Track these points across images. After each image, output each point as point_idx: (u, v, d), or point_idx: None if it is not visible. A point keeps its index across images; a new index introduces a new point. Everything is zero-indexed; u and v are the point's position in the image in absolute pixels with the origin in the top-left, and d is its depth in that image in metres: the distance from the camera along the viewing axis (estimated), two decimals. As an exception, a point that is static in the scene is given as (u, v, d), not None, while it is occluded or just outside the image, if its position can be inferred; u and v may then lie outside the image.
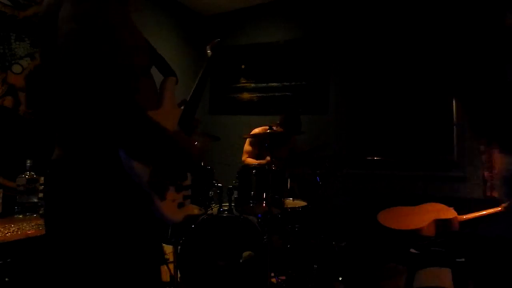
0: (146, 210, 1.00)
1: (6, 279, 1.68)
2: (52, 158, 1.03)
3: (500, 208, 2.86)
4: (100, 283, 0.97)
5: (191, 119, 1.24)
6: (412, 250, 2.69)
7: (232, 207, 2.75)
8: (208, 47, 1.63)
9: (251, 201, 2.62)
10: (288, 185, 3.28)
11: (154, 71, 1.21)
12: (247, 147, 3.58)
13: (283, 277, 2.78)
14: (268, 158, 3.35)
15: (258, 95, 4.56)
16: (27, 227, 1.94)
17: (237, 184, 2.72)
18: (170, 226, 2.75)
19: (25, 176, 2.31)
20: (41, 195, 2.33)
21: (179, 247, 2.57)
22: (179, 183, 1.09)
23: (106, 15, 0.92)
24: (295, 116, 3.39)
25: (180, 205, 1.09)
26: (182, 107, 1.24)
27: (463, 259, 2.53)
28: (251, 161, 3.48)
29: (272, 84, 4.48)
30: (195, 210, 2.71)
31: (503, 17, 1.52)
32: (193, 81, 1.43)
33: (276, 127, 3.26)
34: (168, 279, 2.76)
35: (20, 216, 2.25)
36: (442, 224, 2.82)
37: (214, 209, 2.81)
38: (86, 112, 0.91)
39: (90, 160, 0.97)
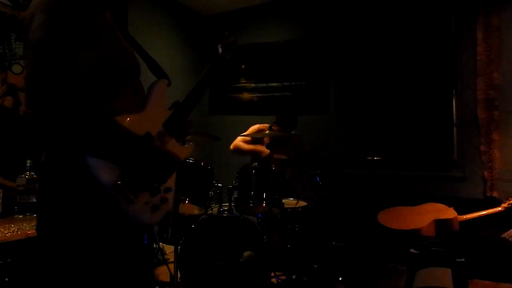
0: (115, 211, 1.02)
1: (6, 279, 1.68)
2: (40, 161, 1.10)
3: (500, 208, 2.86)
4: (71, 282, 1.03)
5: (183, 121, 1.23)
6: (412, 250, 2.69)
7: (232, 207, 2.74)
8: (220, 45, 1.52)
9: (251, 201, 2.62)
10: (288, 185, 3.29)
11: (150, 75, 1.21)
12: (239, 142, 3.54)
13: (283, 277, 2.78)
14: (260, 147, 3.36)
15: (258, 95, 4.56)
16: (27, 227, 1.94)
17: (237, 184, 2.72)
18: (170, 226, 2.75)
19: (25, 176, 2.31)
20: (41, 195, 2.33)
21: (179, 247, 2.57)
22: (156, 187, 1.09)
23: (74, 24, 0.96)
24: (291, 114, 3.37)
25: (155, 208, 1.10)
26: (172, 109, 1.24)
27: (463, 259, 2.54)
28: (242, 145, 3.42)
29: (272, 84, 4.48)
30: (195, 210, 2.72)
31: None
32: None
33: (273, 125, 3.25)
34: (168, 279, 2.76)
35: (20, 216, 2.25)
36: (442, 224, 2.82)
37: (214, 209, 2.81)
38: (49, 118, 0.94)
39: (63, 163, 1.03)
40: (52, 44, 0.93)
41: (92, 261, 1.04)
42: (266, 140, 3.47)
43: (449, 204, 2.99)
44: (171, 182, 1.16)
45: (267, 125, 3.23)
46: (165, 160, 1.09)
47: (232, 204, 2.74)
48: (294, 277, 2.76)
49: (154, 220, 1.11)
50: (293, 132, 3.06)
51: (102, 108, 1.00)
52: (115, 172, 1.00)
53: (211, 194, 2.74)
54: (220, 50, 1.51)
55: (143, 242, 1.34)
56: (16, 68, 2.57)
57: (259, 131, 3.43)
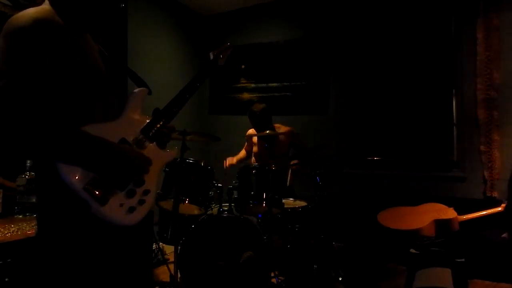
0: (88, 214, 1.06)
1: (6, 279, 1.68)
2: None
3: (500, 208, 2.86)
4: (68, 281, 1.09)
5: (163, 126, 1.27)
6: (412, 250, 2.69)
7: (232, 207, 2.74)
8: (212, 53, 1.57)
9: (251, 201, 2.62)
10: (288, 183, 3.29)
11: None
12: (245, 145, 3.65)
13: (283, 277, 2.78)
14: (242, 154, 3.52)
15: (258, 95, 4.56)
16: (27, 227, 1.93)
17: (237, 184, 2.72)
18: (170, 226, 2.75)
19: (25, 176, 2.31)
20: (41, 195, 2.33)
21: (179, 247, 2.57)
22: (132, 189, 1.14)
23: (35, 46, 1.01)
24: (258, 111, 3.33)
25: (131, 209, 1.14)
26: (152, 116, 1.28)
27: (463, 259, 2.54)
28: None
29: (272, 84, 4.49)
30: (195, 210, 2.72)
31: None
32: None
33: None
34: (168, 279, 2.76)
35: (20, 216, 2.24)
36: (442, 224, 2.82)
37: (214, 209, 2.81)
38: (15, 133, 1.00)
39: (41, 168, 1.11)
40: (12, 71, 0.98)
41: (88, 259, 1.09)
42: (254, 139, 3.52)
43: (449, 204, 2.99)
44: (150, 184, 1.20)
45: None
46: (133, 161, 1.13)
47: (232, 204, 2.74)
48: (294, 276, 2.76)
49: (129, 221, 1.14)
50: (268, 131, 3.05)
51: (68, 120, 1.07)
52: (85, 175, 1.05)
53: (211, 194, 2.74)
54: (211, 56, 1.56)
55: (142, 242, 1.36)
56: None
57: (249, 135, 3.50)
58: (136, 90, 1.28)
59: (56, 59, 1.05)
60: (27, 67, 0.99)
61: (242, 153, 3.66)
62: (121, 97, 1.25)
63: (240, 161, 3.51)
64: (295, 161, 3.22)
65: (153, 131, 1.24)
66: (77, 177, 1.04)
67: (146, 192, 1.18)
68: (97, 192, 1.06)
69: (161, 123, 1.26)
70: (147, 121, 1.25)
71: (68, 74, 1.07)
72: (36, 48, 1.01)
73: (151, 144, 1.23)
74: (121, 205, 1.11)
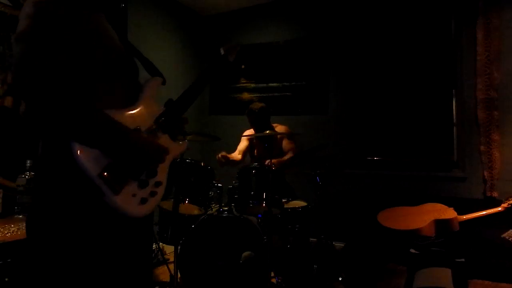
0: (99, 202, 1.03)
1: (6, 279, 1.68)
2: (37, 155, 1.12)
3: (500, 208, 2.86)
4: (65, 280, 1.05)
5: (176, 118, 1.26)
6: (412, 250, 2.69)
7: (232, 207, 2.74)
8: (222, 48, 1.57)
9: (251, 201, 2.62)
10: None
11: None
12: (240, 145, 3.58)
13: (283, 277, 2.77)
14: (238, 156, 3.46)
15: (258, 95, 4.55)
16: (27, 227, 1.93)
17: (237, 184, 2.72)
18: (170, 226, 2.75)
19: (25, 176, 2.31)
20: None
21: (179, 247, 2.57)
22: (144, 179, 1.12)
23: (55, 17, 0.99)
24: (257, 111, 3.33)
25: (143, 201, 1.12)
26: (165, 107, 1.27)
27: (463, 259, 2.53)
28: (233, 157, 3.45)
29: (272, 84, 4.48)
30: (195, 210, 2.72)
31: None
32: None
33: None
34: (168, 279, 2.76)
35: (20, 216, 2.24)
36: (442, 224, 2.82)
37: (214, 209, 2.81)
38: (36, 106, 0.97)
39: (55, 155, 1.05)
40: (35, 35, 0.96)
41: (89, 259, 1.06)
42: (255, 141, 3.50)
43: (449, 204, 2.99)
44: (162, 176, 1.18)
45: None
46: (151, 149, 1.11)
47: (232, 204, 2.74)
48: (293, 276, 2.76)
49: (141, 213, 1.12)
50: (267, 131, 3.05)
51: (88, 99, 1.03)
52: (100, 161, 1.02)
53: (211, 194, 2.74)
54: (222, 52, 1.56)
55: (142, 241, 1.34)
56: (16, 68, 2.56)
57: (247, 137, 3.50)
58: (150, 79, 1.26)
59: (78, 31, 1.04)
60: (48, 33, 0.97)
61: (236, 156, 3.49)
62: (137, 83, 1.23)
63: (232, 162, 3.34)
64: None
65: (167, 122, 1.22)
66: (92, 162, 1.00)
67: (158, 184, 1.16)
68: (111, 180, 1.03)
69: (175, 115, 1.25)
70: (161, 111, 1.23)
71: (87, 48, 1.06)
72: (58, 17, 1.00)
73: (163, 135, 1.21)
74: (134, 195, 1.09)
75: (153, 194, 1.15)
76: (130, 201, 1.08)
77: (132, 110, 1.14)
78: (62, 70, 0.99)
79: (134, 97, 1.18)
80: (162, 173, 1.18)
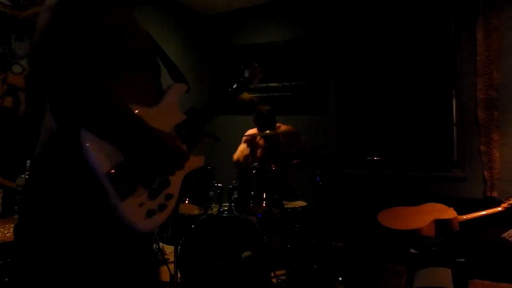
0: (104, 206, 0.92)
1: (6, 279, 1.68)
2: (33, 155, 1.03)
3: (500, 208, 2.86)
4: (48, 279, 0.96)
5: (196, 130, 1.20)
6: (412, 250, 2.69)
7: (232, 207, 2.74)
8: (247, 70, 1.60)
9: (251, 201, 2.62)
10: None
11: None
12: (241, 146, 3.59)
13: (283, 277, 2.78)
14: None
15: (258, 95, 4.55)
16: (27, 227, 1.93)
17: (237, 184, 2.72)
18: (170, 226, 2.75)
19: (25, 176, 2.31)
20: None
21: (179, 247, 2.57)
22: (156, 188, 1.02)
23: (80, 7, 0.92)
24: (266, 113, 3.34)
25: (150, 213, 1.00)
26: (187, 114, 1.22)
27: (463, 259, 2.53)
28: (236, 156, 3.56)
29: (272, 84, 4.48)
30: (195, 210, 2.71)
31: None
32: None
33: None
34: (168, 279, 2.76)
35: (20, 216, 2.24)
36: (442, 224, 2.82)
37: (214, 209, 2.81)
38: (49, 91, 0.91)
39: (51, 150, 0.96)
40: (58, 24, 0.90)
41: (90, 261, 0.97)
42: (261, 142, 3.49)
43: (449, 204, 2.99)
44: (174, 188, 1.07)
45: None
46: (173, 151, 1.02)
47: (232, 204, 2.74)
48: (294, 276, 2.76)
49: (144, 227, 0.99)
50: (268, 131, 3.06)
51: (109, 87, 0.96)
52: (112, 159, 0.92)
53: (211, 194, 2.74)
54: (246, 74, 1.59)
55: (146, 245, 1.26)
56: (16, 68, 2.57)
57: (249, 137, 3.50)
58: (176, 84, 1.21)
59: (103, 26, 0.97)
60: (76, 9, 0.91)
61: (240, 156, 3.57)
62: (158, 85, 1.17)
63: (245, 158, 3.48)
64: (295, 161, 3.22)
65: (187, 131, 1.15)
66: (102, 158, 0.90)
67: (169, 197, 1.06)
68: (120, 181, 0.92)
69: (196, 126, 1.20)
70: (183, 119, 1.16)
71: (113, 38, 0.99)
72: (81, 13, 0.93)
73: (182, 145, 1.12)
74: (141, 205, 0.98)
75: (161, 208, 1.03)
76: (136, 211, 0.97)
77: (153, 110, 1.06)
78: (86, 48, 0.91)
79: (154, 99, 1.11)
80: (175, 185, 1.07)
